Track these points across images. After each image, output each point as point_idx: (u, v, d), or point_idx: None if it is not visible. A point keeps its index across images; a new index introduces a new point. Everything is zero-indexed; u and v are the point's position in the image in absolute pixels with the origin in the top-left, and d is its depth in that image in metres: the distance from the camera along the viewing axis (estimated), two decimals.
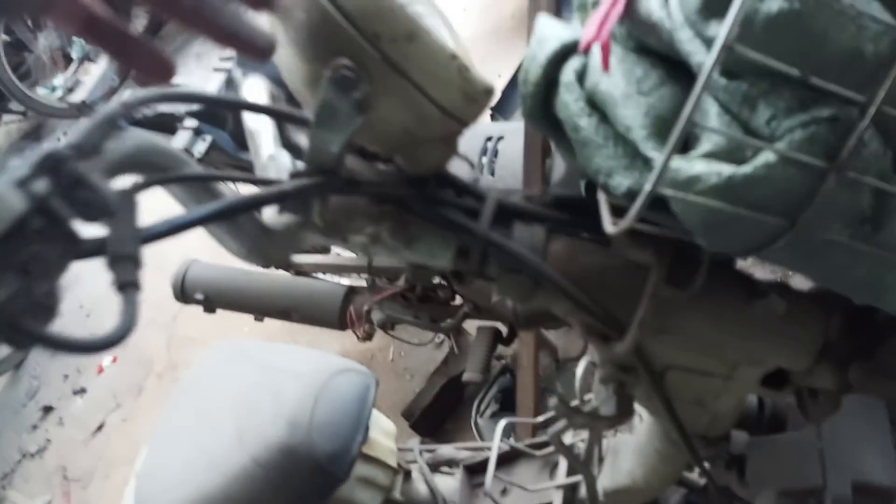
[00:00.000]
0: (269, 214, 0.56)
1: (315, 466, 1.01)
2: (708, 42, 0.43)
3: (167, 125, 1.73)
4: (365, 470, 1.12)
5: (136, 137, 0.48)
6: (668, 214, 0.46)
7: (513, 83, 2.41)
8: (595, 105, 0.52)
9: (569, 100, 0.53)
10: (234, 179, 0.60)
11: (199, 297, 2.03)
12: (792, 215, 0.41)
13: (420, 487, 1.26)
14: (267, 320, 2.59)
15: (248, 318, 2.63)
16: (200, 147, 1.57)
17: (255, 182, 0.57)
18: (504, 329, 1.75)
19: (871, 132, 0.40)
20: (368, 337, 1.90)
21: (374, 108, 0.48)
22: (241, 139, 1.65)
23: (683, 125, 0.39)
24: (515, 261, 0.55)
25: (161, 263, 3.18)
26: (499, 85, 2.64)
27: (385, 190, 0.55)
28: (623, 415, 0.61)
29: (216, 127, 1.59)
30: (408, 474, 1.24)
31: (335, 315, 1.93)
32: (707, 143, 0.43)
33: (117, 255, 0.40)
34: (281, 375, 1.12)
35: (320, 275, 2.17)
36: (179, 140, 1.59)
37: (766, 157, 0.40)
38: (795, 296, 0.57)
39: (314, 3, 0.47)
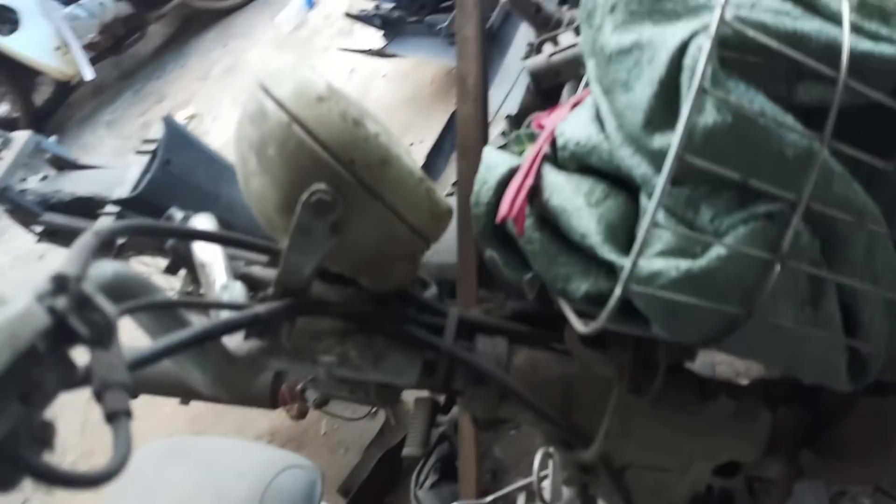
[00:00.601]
0: (234, 342, 0.55)
1: None
2: (652, 154, 0.46)
3: (85, 209, 1.67)
4: None
5: (114, 265, 0.47)
6: (630, 316, 0.49)
7: (436, 149, 2.47)
8: (545, 220, 0.55)
9: None
10: (206, 307, 0.58)
11: None
12: (746, 303, 0.44)
13: None
14: (192, 404, 2.50)
15: (166, 400, 2.53)
16: None
17: (223, 307, 0.56)
18: (441, 399, 1.75)
19: (801, 224, 0.44)
20: (302, 416, 1.85)
21: (347, 229, 0.49)
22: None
23: (647, 229, 0.42)
24: (481, 375, 0.56)
25: None
26: (421, 151, 2.69)
27: (352, 309, 0.55)
28: None
29: (136, 211, 1.54)
30: None
31: (266, 394, 1.88)
32: (658, 243, 0.46)
33: (107, 383, 0.38)
34: (224, 474, 1.08)
35: None
36: (100, 226, 1.53)
37: (718, 250, 0.43)
38: (741, 392, 0.60)
39: (290, 134, 0.48)
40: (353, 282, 0.57)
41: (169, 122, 1.54)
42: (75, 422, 2.78)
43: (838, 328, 0.46)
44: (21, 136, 1.76)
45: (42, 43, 3.71)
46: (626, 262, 0.42)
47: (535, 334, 0.59)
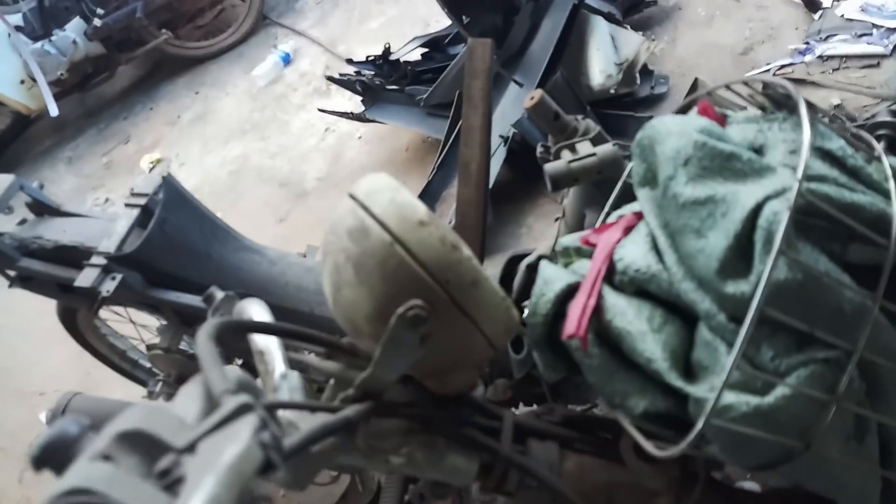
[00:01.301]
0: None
1: None
2: (722, 297, 0.52)
3: (70, 259, 1.65)
4: None
5: (235, 371, 0.49)
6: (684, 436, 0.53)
7: None
8: (603, 338, 0.60)
9: None
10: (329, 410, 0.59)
11: None
12: (803, 437, 0.49)
13: None
14: None
15: None
16: (109, 286, 1.50)
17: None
18: None
19: (854, 370, 0.50)
20: None
21: (433, 340, 0.53)
22: (151, 278, 1.60)
23: (731, 370, 0.47)
24: (534, 479, 0.60)
25: (20, 387, 2.91)
26: None
27: (422, 412, 0.59)
28: None
29: (126, 267, 1.53)
30: None
31: None
32: (719, 377, 0.51)
33: None
34: None
35: None
36: (85, 277, 1.51)
37: (783, 390, 0.48)
38: (768, 501, 0.65)
39: (392, 254, 0.51)
40: (411, 380, 0.60)
41: (168, 181, 1.55)
42: (12, 472, 2.65)
43: (876, 460, 0.52)
44: (4, 179, 1.72)
45: (7, 76, 3.65)
46: (708, 396, 0.47)
47: (583, 440, 0.63)
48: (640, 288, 0.60)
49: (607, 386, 0.59)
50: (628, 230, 0.66)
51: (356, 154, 3.13)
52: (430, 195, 2.56)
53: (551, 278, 0.63)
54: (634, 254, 0.60)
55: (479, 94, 1.32)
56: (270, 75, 3.73)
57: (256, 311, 0.70)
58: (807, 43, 2.46)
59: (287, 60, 3.82)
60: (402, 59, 2.94)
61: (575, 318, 0.58)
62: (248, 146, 3.50)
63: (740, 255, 0.50)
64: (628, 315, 0.57)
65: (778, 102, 0.63)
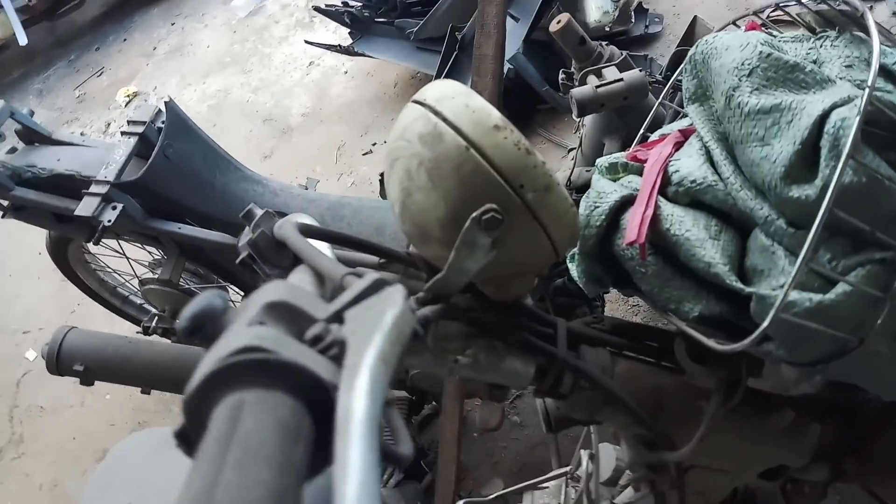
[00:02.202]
0: None
1: None
2: (784, 202, 0.54)
3: (68, 188, 1.62)
4: None
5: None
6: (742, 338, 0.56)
7: None
8: (658, 246, 0.62)
9: None
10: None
11: (79, 367, 1.86)
12: (858, 333, 0.53)
13: None
14: (135, 393, 2.43)
15: (107, 385, 2.46)
16: (110, 215, 1.48)
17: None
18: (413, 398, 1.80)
19: None
20: None
21: (502, 245, 0.54)
22: (150, 207, 1.59)
23: (800, 267, 0.50)
24: (588, 381, 0.63)
25: (2, 324, 2.88)
26: (384, 151, 2.73)
27: (481, 316, 0.61)
28: None
29: (129, 195, 1.51)
30: None
31: None
32: (781, 277, 0.54)
33: None
34: None
35: None
36: (86, 206, 1.49)
37: (843, 287, 0.51)
38: (797, 406, 0.69)
39: (468, 158, 0.53)
40: (472, 287, 0.62)
41: (170, 106, 1.52)
42: (4, 408, 2.65)
43: None
44: None
45: None
46: (774, 294, 0.50)
47: (631, 347, 0.66)
48: (694, 199, 0.62)
49: (662, 292, 0.61)
50: (678, 146, 0.67)
51: (342, 89, 3.08)
52: None
53: (605, 191, 0.65)
54: (690, 166, 0.62)
55: (493, 22, 1.31)
56: (251, 6, 3.62)
57: (309, 221, 0.71)
58: None
59: None
60: None
61: (635, 227, 0.60)
62: (228, 80, 3.41)
63: (805, 161, 0.52)
64: (686, 223, 0.60)
65: (829, 21, 0.64)
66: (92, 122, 3.59)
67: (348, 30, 2.85)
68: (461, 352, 0.60)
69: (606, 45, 1.05)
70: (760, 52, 0.56)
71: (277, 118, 3.10)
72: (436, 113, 0.55)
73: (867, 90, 0.48)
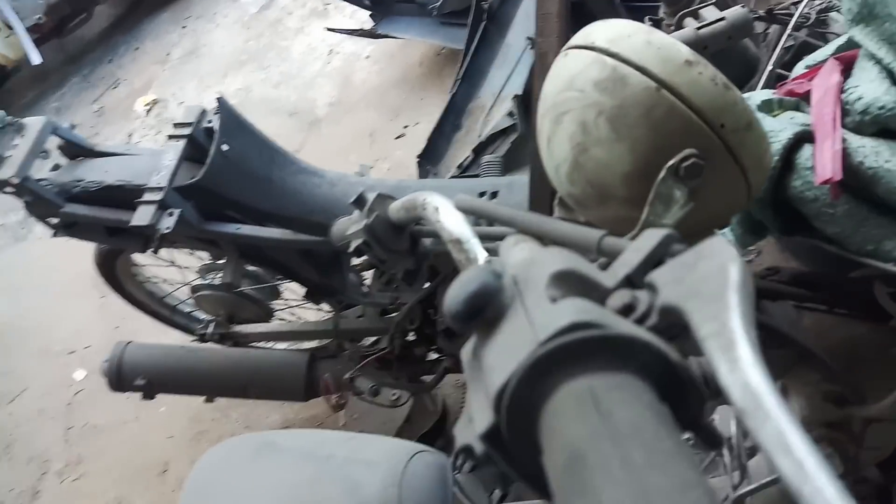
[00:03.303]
0: None
1: None
2: None
3: (119, 199, 1.57)
4: None
5: None
6: None
7: (437, 132, 2.43)
8: (848, 184, 0.56)
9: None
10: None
11: (140, 382, 1.83)
12: None
13: None
14: (191, 403, 2.40)
15: (161, 398, 2.42)
16: (168, 222, 1.43)
17: None
18: None
19: None
20: (341, 407, 1.82)
21: (699, 196, 0.49)
22: (205, 210, 1.54)
23: None
24: (779, 338, 0.57)
25: (48, 346, 2.86)
26: (417, 133, 2.67)
27: None
28: (850, 472, 0.64)
29: (185, 199, 1.46)
30: None
31: (300, 385, 1.83)
32: None
33: None
34: (349, 466, 1.04)
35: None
36: (142, 215, 1.44)
37: None
38: None
39: (660, 100, 0.46)
40: None
41: (223, 103, 1.46)
42: (56, 430, 2.63)
43: None
44: (36, 123, 1.62)
45: None
46: None
47: (816, 298, 0.60)
48: (884, 127, 0.56)
49: (857, 233, 0.55)
50: (844, 72, 0.61)
51: (366, 74, 3.02)
52: (455, 110, 2.47)
53: (775, 128, 0.59)
54: (875, 91, 0.56)
55: None
56: (261, 0, 3.55)
57: (442, 200, 0.65)
58: None
59: None
60: None
61: (827, 162, 0.53)
62: (248, 78, 3.36)
63: None
64: (884, 153, 0.53)
65: None
66: (114, 134, 3.54)
67: (368, 13, 2.78)
68: None
69: None
70: None
71: (303, 111, 3.04)
72: (612, 55, 0.49)
73: None
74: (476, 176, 2.07)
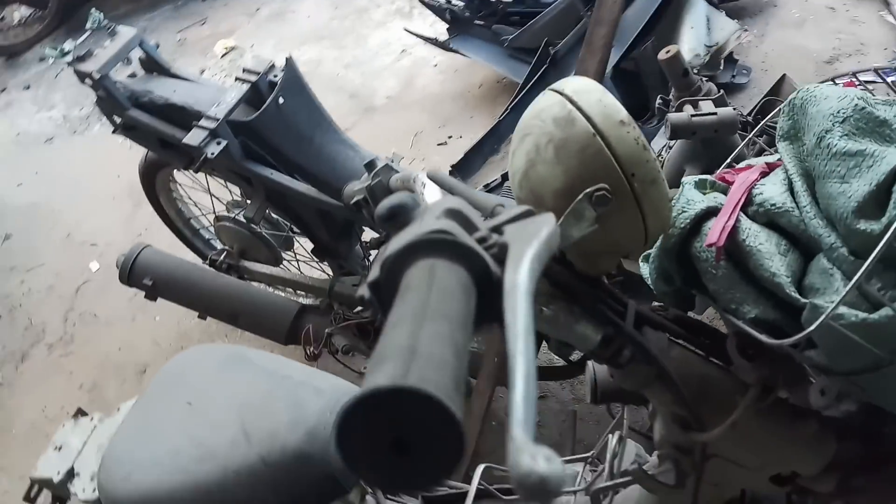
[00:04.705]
0: None
1: (326, 476, 1.09)
2: (852, 232, 0.63)
3: (177, 118, 1.76)
4: None
5: None
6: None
7: (476, 148, 2.61)
8: (731, 253, 0.72)
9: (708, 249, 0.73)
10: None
11: (147, 282, 2.01)
12: (891, 353, 0.61)
13: None
14: (182, 319, 2.58)
15: (158, 308, 2.59)
16: (214, 148, 1.62)
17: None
18: None
19: None
20: (315, 358, 1.98)
21: (603, 222, 0.65)
22: (248, 150, 1.72)
23: (854, 285, 0.59)
24: (646, 356, 0.73)
25: (72, 233, 3.06)
26: (458, 146, 2.84)
27: (568, 281, 0.71)
28: (679, 485, 0.80)
29: (234, 134, 1.65)
30: (363, 495, 1.34)
31: (284, 329, 1.99)
32: (835, 295, 0.63)
33: None
34: (299, 388, 1.20)
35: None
36: (194, 137, 1.63)
37: (887, 311, 0.60)
38: (822, 421, 0.78)
39: (592, 143, 0.63)
40: (563, 258, 0.72)
41: (290, 63, 1.65)
42: (59, 309, 2.82)
43: None
44: (127, 32, 1.83)
45: None
46: (827, 305, 0.59)
47: (687, 338, 0.76)
48: (771, 220, 0.71)
49: (727, 293, 0.71)
50: (763, 175, 0.77)
51: (429, 81, 3.21)
52: (497, 134, 2.64)
53: (694, 200, 0.75)
54: (773, 191, 0.72)
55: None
56: None
57: (429, 181, 0.82)
58: (894, 64, 2.51)
59: None
60: None
61: (717, 231, 0.69)
62: (322, 52, 3.57)
63: (877, 201, 0.61)
64: (761, 237, 0.69)
65: None
66: (187, 67, 3.76)
67: (446, 26, 2.98)
68: (546, 305, 0.71)
69: (706, 81, 1.15)
70: (856, 104, 0.66)
71: (363, 96, 3.24)
72: (572, 102, 0.65)
73: None
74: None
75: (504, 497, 1.27)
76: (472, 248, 0.42)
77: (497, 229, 0.46)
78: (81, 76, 1.76)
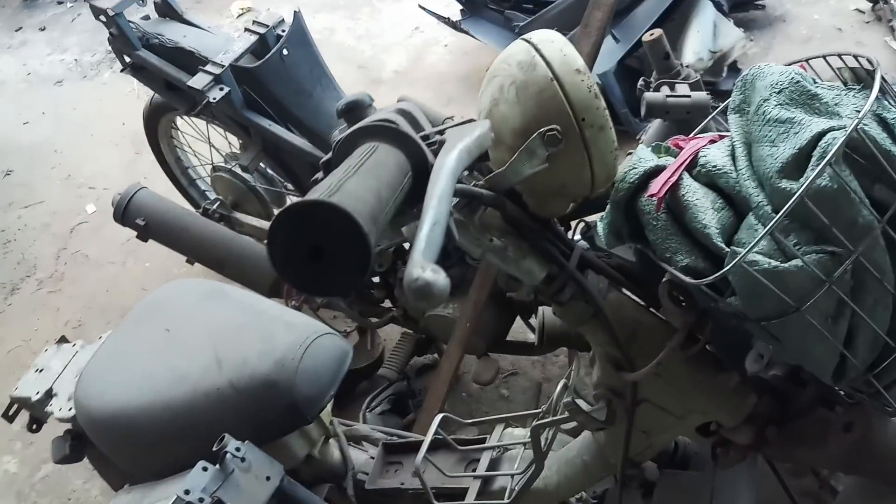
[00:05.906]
0: None
1: (290, 405, 1.15)
2: (775, 191, 0.69)
3: (184, 62, 1.82)
4: None
5: None
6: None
7: None
8: (670, 208, 0.78)
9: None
10: None
11: (140, 222, 2.07)
12: (798, 301, 0.67)
13: (334, 453, 1.43)
14: (172, 268, 2.64)
15: (150, 254, 2.65)
16: (216, 94, 1.68)
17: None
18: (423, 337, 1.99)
19: (849, 267, 0.68)
20: (296, 310, 2.04)
21: (553, 162, 0.70)
22: (249, 99, 1.78)
23: (767, 233, 0.65)
24: (585, 296, 0.79)
25: (72, 174, 3.12)
26: None
27: (519, 217, 0.77)
28: (609, 422, 0.86)
29: (238, 81, 1.70)
30: (326, 439, 1.41)
31: (268, 280, 2.05)
32: (756, 246, 0.69)
33: None
34: (272, 322, 1.26)
35: None
36: (198, 80, 1.69)
37: (796, 262, 0.66)
38: (743, 377, 0.84)
39: (549, 87, 0.69)
40: (517, 198, 0.78)
41: (297, 17, 1.71)
42: (52, 247, 2.88)
43: (841, 340, 0.70)
44: None
45: None
46: (741, 250, 0.66)
47: (625, 284, 0.82)
48: (710, 181, 0.77)
49: (664, 243, 0.77)
50: (712, 142, 0.83)
51: (438, 59, 3.26)
52: None
53: (644, 158, 0.81)
54: (716, 155, 0.78)
55: None
56: None
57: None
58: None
59: None
60: None
61: (659, 183, 0.75)
62: (336, 22, 3.63)
63: (798, 163, 0.67)
64: (699, 194, 0.75)
65: (860, 79, 0.79)
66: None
67: (460, 7, 3.03)
68: (497, 238, 0.77)
69: (686, 66, 1.20)
70: (793, 78, 0.72)
71: (372, 68, 3.29)
72: (536, 49, 0.71)
73: (857, 121, 0.64)
74: None
75: (460, 448, 1.33)
76: (411, 136, 0.48)
77: (441, 132, 0.53)
78: (96, 12, 1.81)
